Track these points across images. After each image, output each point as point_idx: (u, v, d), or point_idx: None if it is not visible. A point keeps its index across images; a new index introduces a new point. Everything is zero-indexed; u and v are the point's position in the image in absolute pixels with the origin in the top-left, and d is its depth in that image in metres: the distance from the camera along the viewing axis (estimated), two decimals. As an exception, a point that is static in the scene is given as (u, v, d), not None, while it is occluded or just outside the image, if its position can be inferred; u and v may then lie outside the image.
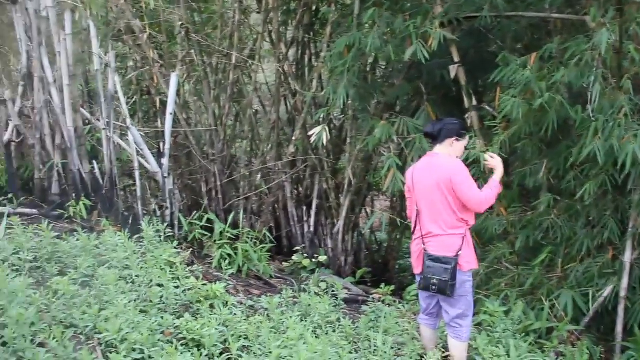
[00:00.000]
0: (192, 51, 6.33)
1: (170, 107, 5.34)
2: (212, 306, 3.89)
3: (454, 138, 3.80)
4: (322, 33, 6.70)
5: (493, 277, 5.64)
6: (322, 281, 5.01)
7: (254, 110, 7.04)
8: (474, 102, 6.13)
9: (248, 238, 5.30)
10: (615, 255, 5.18)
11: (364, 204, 7.66)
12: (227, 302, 4.00)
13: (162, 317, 3.46)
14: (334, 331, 3.81)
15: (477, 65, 6.34)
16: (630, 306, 4.97)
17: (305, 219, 7.15)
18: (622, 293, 4.99)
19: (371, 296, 5.23)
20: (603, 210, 5.20)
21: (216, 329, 3.39)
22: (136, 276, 3.93)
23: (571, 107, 5.07)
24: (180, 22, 6.16)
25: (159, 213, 5.19)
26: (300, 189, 7.36)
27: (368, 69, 6.44)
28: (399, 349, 3.79)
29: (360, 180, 7.00)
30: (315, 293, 4.38)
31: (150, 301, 3.63)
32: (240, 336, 3.47)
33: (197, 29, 6.53)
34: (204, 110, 6.84)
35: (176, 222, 5.27)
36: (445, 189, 3.63)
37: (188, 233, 5.26)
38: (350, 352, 3.52)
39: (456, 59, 5.93)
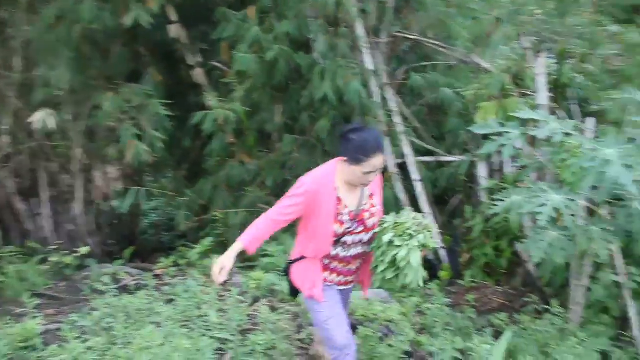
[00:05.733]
0: None
1: None
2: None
3: (344, 157, 2.82)
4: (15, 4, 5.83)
5: (254, 220, 6.04)
6: (104, 275, 4.78)
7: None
8: (199, 59, 6.24)
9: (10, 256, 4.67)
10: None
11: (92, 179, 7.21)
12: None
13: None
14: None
15: (197, 22, 6.37)
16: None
17: (37, 211, 6.48)
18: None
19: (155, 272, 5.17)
20: (335, 140, 5.98)
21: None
22: None
23: (296, 55, 5.61)
24: None
25: None
26: (21, 180, 6.56)
27: (83, 39, 5.92)
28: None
29: (88, 156, 6.59)
30: (122, 290, 4.19)
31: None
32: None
33: None
34: None
35: None
36: None
37: None
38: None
39: (174, 17, 5.89)
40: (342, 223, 2.85)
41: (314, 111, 5.80)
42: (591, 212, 3.67)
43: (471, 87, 5.14)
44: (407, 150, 5.74)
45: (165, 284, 4.57)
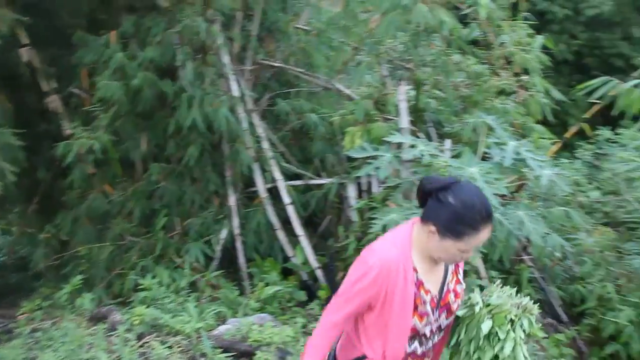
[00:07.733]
0: None
1: None
2: None
3: (434, 226, 1.96)
4: None
5: (122, 254, 5.80)
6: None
7: None
8: (55, 85, 5.88)
9: None
10: (221, 202, 6.05)
11: None
12: None
13: None
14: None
15: (49, 46, 6.00)
16: (245, 239, 5.97)
17: None
18: (236, 231, 5.94)
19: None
20: (204, 168, 5.95)
21: None
22: None
23: (161, 82, 5.51)
24: None
25: None
26: None
27: None
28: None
29: None
30: None
31: None
32: None
33: None
34: None
35: None
36: None
37: None
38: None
39: (25, 41, 5.53)
40: (423, 316, 2.07)
41: (181, 139, 5.72)
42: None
43: (338, 113, 5.40)
44: (277, 174, 5.86)
45: (36, 329, 4.23)
